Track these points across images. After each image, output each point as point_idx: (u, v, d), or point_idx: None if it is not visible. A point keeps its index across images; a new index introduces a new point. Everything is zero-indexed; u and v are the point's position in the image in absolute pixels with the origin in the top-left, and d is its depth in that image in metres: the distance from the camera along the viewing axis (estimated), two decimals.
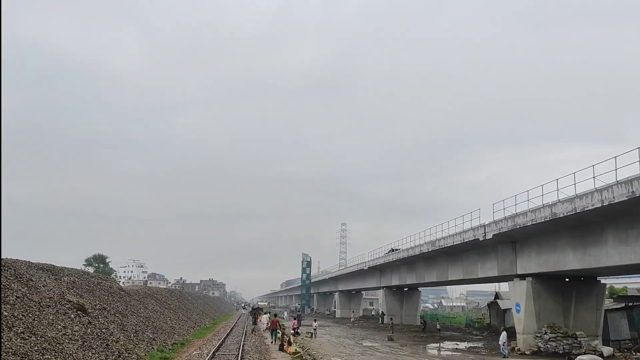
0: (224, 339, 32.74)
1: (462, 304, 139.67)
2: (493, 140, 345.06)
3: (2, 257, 17.81)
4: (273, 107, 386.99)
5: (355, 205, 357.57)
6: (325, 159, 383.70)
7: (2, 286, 15.76)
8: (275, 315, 37.22)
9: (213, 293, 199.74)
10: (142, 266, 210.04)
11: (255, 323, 35.30)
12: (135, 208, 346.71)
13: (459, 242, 36.05)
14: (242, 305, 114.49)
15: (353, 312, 70.20)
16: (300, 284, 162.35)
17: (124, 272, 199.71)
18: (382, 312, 59.73)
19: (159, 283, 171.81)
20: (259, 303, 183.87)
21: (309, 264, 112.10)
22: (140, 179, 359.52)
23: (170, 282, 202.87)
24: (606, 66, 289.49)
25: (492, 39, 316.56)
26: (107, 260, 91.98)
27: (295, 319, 44.33)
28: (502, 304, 49.28)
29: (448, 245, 37.90)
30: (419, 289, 63.22)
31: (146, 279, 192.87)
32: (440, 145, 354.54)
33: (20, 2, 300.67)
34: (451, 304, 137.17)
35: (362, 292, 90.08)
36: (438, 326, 45.86)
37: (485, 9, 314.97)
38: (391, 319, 47.68)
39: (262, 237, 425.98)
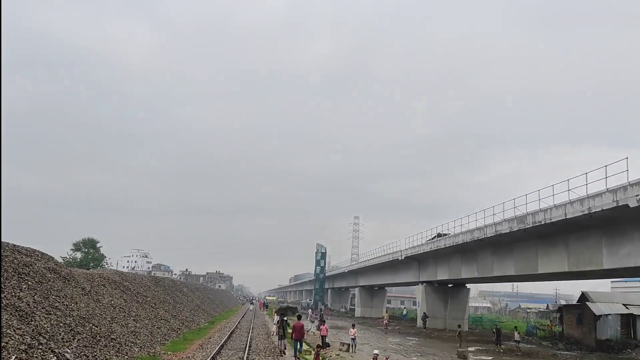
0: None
1: (486, 305, 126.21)
2: (505, 141, 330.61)
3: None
4: (284, 102, 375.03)
5: (364, 203, 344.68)
6: (336, 154, 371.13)
7: None
8: (299, 317, 24.31)
9: (219, 286, 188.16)
10: (146, 256, 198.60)
11: (284, 333, 21.33)
12: (144, 199, 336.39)
13: (580, 214, 23.04)
14: (250, 299, 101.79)
15: (387, 312, 57.29)
16: (311, 278, 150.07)
17: (128, 261, 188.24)
18: (424, 313, 46.86)
19: (164, 274, 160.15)
20: (267, 297, 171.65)
21: (323, 255, 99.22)
22: (150, 170, 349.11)
23: (175, 274, 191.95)
24: (623, 67, 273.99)
25: (506, 40, 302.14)
26: (99, 245, 78.78)
27: (320, 321, 31.62)
28: (596, 309, 36.18)
29: (555, 219, 24.87)
30: (467, 286, 50.25)
31: (150, 269, 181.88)
32: (451, 145, 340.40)
33: None
34: (475, 304, 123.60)
35: (386, 288, 77.17)
36: (517, 336, 32.78)
37: (499, 8, 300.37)
38: (459, 326, 34.73)
39: (271, 231, 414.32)
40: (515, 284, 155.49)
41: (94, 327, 17.18)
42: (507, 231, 29.48)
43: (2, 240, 17.96)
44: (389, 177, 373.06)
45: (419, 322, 49.14)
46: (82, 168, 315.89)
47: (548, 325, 48.08)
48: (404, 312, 63.16)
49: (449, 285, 49.46)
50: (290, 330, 22.86)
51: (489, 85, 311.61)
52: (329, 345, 25.67)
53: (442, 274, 44.17)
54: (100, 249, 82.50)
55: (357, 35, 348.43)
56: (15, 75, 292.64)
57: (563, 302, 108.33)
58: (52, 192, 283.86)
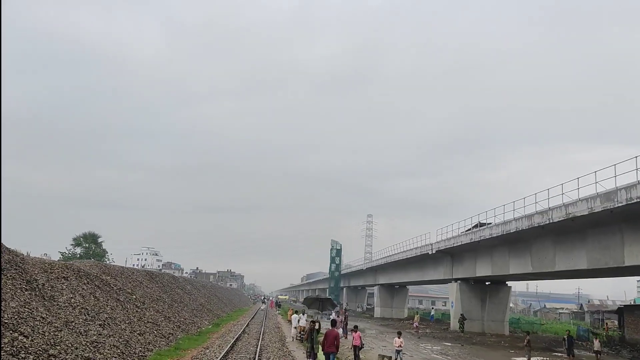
0: None
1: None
2: (514, 140, 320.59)
3: None
4: (294, 100, 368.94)
5: (374, 201, 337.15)
6: (345, 153, 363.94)
7: None
8: (334, 323, 17.39)
9: (230, 285, 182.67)
10: (156, 254, 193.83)
11: (312, 348, 15.28)
12: (155, 198, 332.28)
13: None
14: (262, 298, 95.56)
15: (417, 313, 50.71)
16: (324, 277, 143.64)
17: (138, 259, 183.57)
18: (461, 315, 40.32)
19: (174, 272, 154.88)
20: (279, 297, 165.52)
21: (338, 252, 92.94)
22: (161, 168, 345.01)
23: (186, 272, 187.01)
24: (634, 64, 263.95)
25: (515, 37, 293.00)
26: (100, 240, 72.88)
27: (352, 328, 24.96)
28: None
29: None
30: (508, 283, 43.62)
31: (160, 267, 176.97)
32: (460, 143, 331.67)
33: None
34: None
35: (407, 287, 70.61)
36: (598, 345, 26.01)
37: (508, 6, 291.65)
38: (527, 333, 28.19)
39: (283, 230, 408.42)
40: (533, 282, 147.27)
41: (21, 337, 11.08)
42: (585, 213, 22.92)
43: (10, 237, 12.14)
44: (399, 175, 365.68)
45: (453, 325, 42.65)
46: (91, 166, 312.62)
47: (604, 329, 41.23)
48: (432, 313, 56.65)
49: (487, 283, 42.92)
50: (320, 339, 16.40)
51: (499, 83, 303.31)
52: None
53: (483, 270, 37.62)
54: (102, 244, 76.95)
55: (366, 33, 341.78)
56: (23, 74, 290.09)
57: (596, 302, 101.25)
58: (63, 191, 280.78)
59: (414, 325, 40.37)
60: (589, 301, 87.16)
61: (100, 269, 24.43)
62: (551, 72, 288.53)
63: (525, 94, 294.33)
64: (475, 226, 37.53)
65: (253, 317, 46.05)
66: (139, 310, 22.67)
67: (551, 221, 25.85)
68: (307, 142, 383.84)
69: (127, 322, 19.41)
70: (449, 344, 31.89)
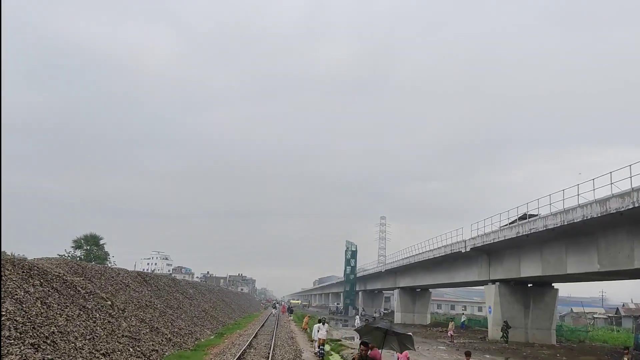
0: None
1: None
2: (528, 142, 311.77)
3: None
4: (306, 105, 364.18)
5: (386, 205, 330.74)
6: (357, 157, 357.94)
7: None
8: (367, 345, 11.35)
9: (241, 289, 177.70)
10: (166, 258, 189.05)
11: None
12: (166, 204, 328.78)
13: None
14: (273, 303, 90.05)
15: (452, 320, 44.64)
16: (337, 280, 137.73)
17: (148, 264, 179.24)
18: (505, 322, 34.45)
19: (185, 276, 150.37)
20: (291, 301, 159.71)
21: (354, 254, 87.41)
22: (174, 175, 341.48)
23: (197, 276, 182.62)
24: None
25: (529, 39, 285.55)
26: (102, 242, 67.77)
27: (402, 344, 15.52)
28: None
29: None
30: (554, 285, 37.75)
31: (170, 271, 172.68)
32: (473, 146, 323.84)
33: (57, 1, 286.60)
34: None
35: (430, 290, 64.76)
36: None
37: (520, 9, 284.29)
38: (626, 349, 22.48)
39: (295, 235, 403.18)
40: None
41: None
42: None
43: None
44: (411, 179, 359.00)
45: (492, 333, 36.85)
46: (104, 174, 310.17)
47: None
48: (463, 319, 50.74)
49: (529, 285, 37.15)
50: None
51: (512, 85, 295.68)
52: None
53: (531, 269, 31.87)
54: (105, 246, 72.01)
55: (377, 37, 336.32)
56: (37, 83, 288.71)
57: (631, 306, 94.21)
58: (75, 198, 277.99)
59: (449, 334, 34.68)
60: (623, 305, 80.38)
61: (69, 268, 19.24)
62: (564, 74, 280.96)
63: (538, 96, 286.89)
64: (521, 218, 31.89)
65: (263, 325, 40.63)
66: (112, 320, 17.36)
67: (636, 205, 20.19)
68: (319, 146, 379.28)
69: (88, 337, 14.10)
70: (494, 357, 26.28)
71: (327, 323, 23.57)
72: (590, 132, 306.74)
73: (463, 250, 38.06)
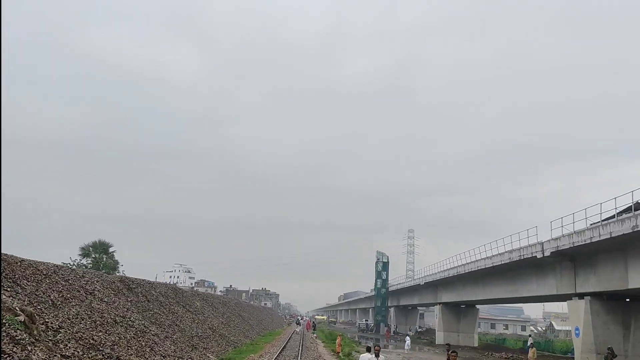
0: None
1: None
2: (554, 154, 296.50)
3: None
4: (329, 119, 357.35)
5: (410, 219, 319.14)
6: (380, 171, 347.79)
7: None
8: None
9: (265, 303, 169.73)
10: (189, 271, 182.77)
11: None
12: (190, 217, 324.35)
13: None
14: (296, 319, 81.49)
15: (532, 345, 34.86)
16: (363, 295, 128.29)
17: (170, 276, 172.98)
18: (610, 351, 25.40)
19: (207, 290, 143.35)
20: (316, 317, 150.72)
21: (385, 266, 78.58)
22: (197, 188, 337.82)
23: (220, 290, 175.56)
24: None
25: (553, 47, 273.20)
26: (112, 249, 60.07)
27: None
28: None
29: None
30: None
31: (193, 285, 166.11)
32: (498, 159, 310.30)
33: (89, 20, 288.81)
34: (567, 327, 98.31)
35: (477, 307, 55.64)
36: None
37: (546, 17, 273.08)
38: None
39: (319, 249, 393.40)
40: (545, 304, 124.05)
41: None
42: None
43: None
44: (435, 193, 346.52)
45: None
46: (129, 187, 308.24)
47: None
48: (530, 342, 41.43)
49: (627, 300, 28.25)
50: None
51: (536, 96, 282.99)
52: None
53: None
54: (114, 254, 64.93)
55: (400, 50, 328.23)
56: (67, 100, 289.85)
57: None
58: (102, 212, 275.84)
59: None
60: None
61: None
62: (592, 84, 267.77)
63: (565, 107, 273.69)
64: (627, 210, 23.32)
65: (284, 347, 32.48)
66: (16, 349, 9.63)
67: None
68: (341, 160, 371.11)
69: None
70: None
71: (379, 352, 15.21)
72: (620, 143, 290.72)
73: (539, 256, 29.41)
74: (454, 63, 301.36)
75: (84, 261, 61.30)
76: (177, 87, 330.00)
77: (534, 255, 30.03)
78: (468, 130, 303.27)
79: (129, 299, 20.10)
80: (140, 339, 16.74)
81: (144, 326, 18.29)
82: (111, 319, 16.27)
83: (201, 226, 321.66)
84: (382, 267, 77.45)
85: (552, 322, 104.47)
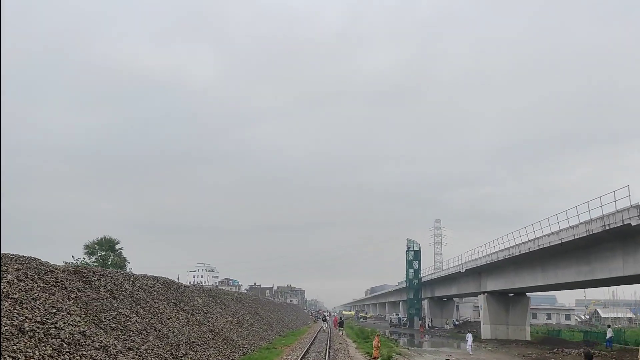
0: None
1: (626, 315, 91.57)
2: (582, 141, 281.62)
3: None
4: (349, 115, 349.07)
5: (435, 212, 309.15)
6: (402, 165, 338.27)
7: None
8: None
9: (290, 300, 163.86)
10: (212, 270, 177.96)
11: None
12: (214, 218, 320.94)
13: None
14: (323, 315, 74.60)
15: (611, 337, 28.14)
16: (393, 287, 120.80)
17: (194, 276, 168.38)
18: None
19: (231, 288, 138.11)
20: (343, 312, 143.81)
21: (417, 254, 71.26)
22: (222, 190, 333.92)
23: (245, 288, 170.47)
24: None
25: (577, 32, 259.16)
26: (119, 246, 53.70)
27: None
28: None
29: None
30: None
31: (217, 284, 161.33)
32: (524, 148, 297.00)
33: (105, 27, 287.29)
34: (613, 314, 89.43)
35: (528, 294, 48.10)
36: None
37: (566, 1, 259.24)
38: None
39: (344, 245, 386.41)
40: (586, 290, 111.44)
41: None
42: None
43: None
44: (460, 185, 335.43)
45: None
46: (152, 191, 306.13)
47: None
48: (609, 335, 33.88)
49: None
50: None
51: (561, 83, 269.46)
52: None
53: None
54: (122, 251, 59.14)
55: (418, 44, 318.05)
56: (86, 108, 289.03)
57: None
58: (128, 217, 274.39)
59: None
60: None
61: None
62: (617, 67, 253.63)
63: (594, 92, 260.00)
64: None
65: (308, 350, 25.80)
66: None
67: None
68: (363, 155, 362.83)
69: None
70: None
71: None
72: None
73: (635, 222, 22.00)
74: (474, 51, 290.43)
75: (88, 260, 54.93)
76: (196, 90, 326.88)
77: (626, 223, 22.61)
78: (490, 123, 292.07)
79: (73, 295, 13.63)
80: (65, 354, 10.20)
81: (83, 334, 11.74)
82: (15, 325, 9.78)
83: (227, 228, 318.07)
84: (414, 256, 70.17)
85: (598, 310, 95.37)
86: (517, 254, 35.93)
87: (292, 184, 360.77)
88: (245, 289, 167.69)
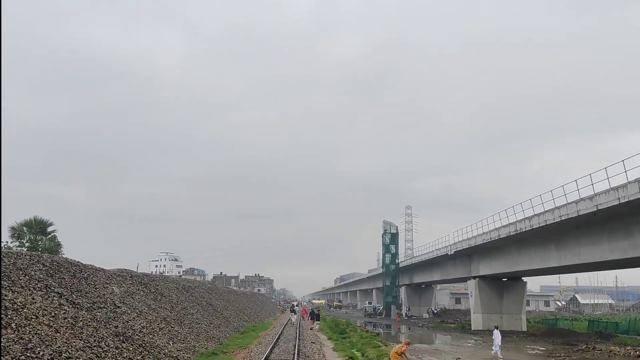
0: None
1: (606, 301, 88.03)
2: (543, 131, 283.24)
3: None
4: (319, 104, 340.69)
5: (404, 201, 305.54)
6: (372, 155, 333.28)
7: None
8: None
9: (259, 289, 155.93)
10: (176, 259, 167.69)
11: None
12: (180, 209, 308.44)
13: None
14: (291, 306, 66.63)
15: None
16: (363, 276, 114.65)
17: (156, 266, 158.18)
18: None
19: (196, 278, 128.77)
20: (313, 301, 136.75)
21: (394, 237, 64.59)
22: (188, 179, 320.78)
23: (209, 278, 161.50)
24: None
25: (544, 22, 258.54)
26: (52, 229, 43.46)
27: None
28: None
29: None
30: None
31: (181, 273, 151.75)
32: (489, 138, 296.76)
33: (67, 10, 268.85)
34: (592, 301, 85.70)
35: (524, 279, 42.02)
36: None
37: None
38: None
39: (314, 234, 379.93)
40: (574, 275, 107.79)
41: None
42: None
43: None
44: (427, 174, 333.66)
45: None
46: (117, 181, 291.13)
47: None
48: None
49: None
50: None
51: (526, 75, 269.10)
52: None
53: None
54: (56, 235, 49.40)
55: (386, 33, 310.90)
56: (47, 93, 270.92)
57: None
58: (97, 206, 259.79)
59: None
60: None
61: None
62: (581, 59, 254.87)
63: (554, 84, 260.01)
64: None
65: (268, 357, 18.26)
66: None
67: None
68: (333, 145, 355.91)
69: None
70: None
71: None
72: (605, 119, 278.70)
73: None
74: (440, 44, 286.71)
75: (15, 244, 44.70)
76: (163, 78, 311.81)
77: None
78: (457, 112, 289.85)
79: None
80: None
81: None
82: None
83: (195, 218, 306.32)
84: (391, 239, 63.44)
85: (577, 296, 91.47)
86: (525, 230, 29.30)
87: (262, 173, 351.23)
88: (211, 279, 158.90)
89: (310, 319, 38.45)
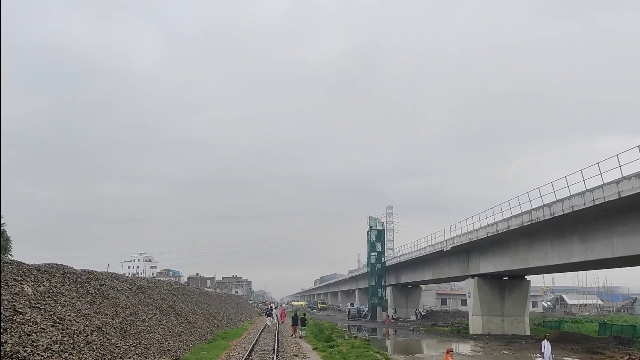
0: None
1: (594, 302, 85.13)
2: (521, 133, 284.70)
3: None
4: (296, 105, 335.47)
5: (383, 202, 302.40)
6: (349, 156, 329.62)
7: None
8: None
9: (236, 291, 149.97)
10: (150, 260, 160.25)
11: None
12: (157, 209, 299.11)
13: None
14: (269, 307, 60.09)
15: None
16: (341, 278, 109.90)
17: (129, 267, 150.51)
18: None
19: (170, 279, 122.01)
20: (293, 303, 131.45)
21: (380, 235, 60.09)
22: (164, 179, 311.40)
23: (186, 281, 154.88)
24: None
25: (522, 26, 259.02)
26: None
27: None
28: None
29: None
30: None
31: (154, 274, 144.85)
32: (464, 141, 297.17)
33: (40, 6, 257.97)
34: (580, 301, 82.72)
35: (528, 278, 37.92)
36: None
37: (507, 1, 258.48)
38: None
39: (292, 235, 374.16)
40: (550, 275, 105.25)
41: None
42: None
43: None
44: (405, 175, 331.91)
45: None
46: (94, 181, 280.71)
47: None
48: None
49: None
50: None
51: (502, 78, 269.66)
52: None
53: None
54: (5, 231, 42.79)
55: (364, 34, 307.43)
56: (22, 90, 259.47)
57: None
58: (68, 206, 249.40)
59: None
60: None
61: None
62: (554, 64, 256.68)
63: (529, 87, 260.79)
64: None
65: None
66: None
67: None
68: (310, 146, 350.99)
69: None
70: None
71: None
72: (580, 123, 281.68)
73: None
74: (420, 45, 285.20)
75: None
76: (138, 76, 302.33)
77: None
78: (435, 114, 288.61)
79: None
80: None
81: None
82: None
83: (171, 219, 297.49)
84: (377, 236, 58.86)
85: (564, 296, 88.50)
86: (542, 219, 24.95)
87: (240, 173, 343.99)
88: (186, 281, 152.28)
89: (292, 325, 32.12)
